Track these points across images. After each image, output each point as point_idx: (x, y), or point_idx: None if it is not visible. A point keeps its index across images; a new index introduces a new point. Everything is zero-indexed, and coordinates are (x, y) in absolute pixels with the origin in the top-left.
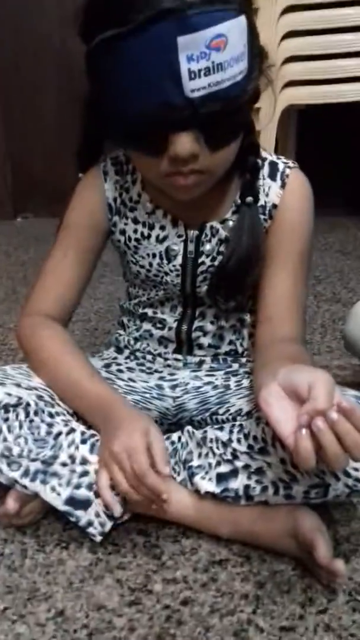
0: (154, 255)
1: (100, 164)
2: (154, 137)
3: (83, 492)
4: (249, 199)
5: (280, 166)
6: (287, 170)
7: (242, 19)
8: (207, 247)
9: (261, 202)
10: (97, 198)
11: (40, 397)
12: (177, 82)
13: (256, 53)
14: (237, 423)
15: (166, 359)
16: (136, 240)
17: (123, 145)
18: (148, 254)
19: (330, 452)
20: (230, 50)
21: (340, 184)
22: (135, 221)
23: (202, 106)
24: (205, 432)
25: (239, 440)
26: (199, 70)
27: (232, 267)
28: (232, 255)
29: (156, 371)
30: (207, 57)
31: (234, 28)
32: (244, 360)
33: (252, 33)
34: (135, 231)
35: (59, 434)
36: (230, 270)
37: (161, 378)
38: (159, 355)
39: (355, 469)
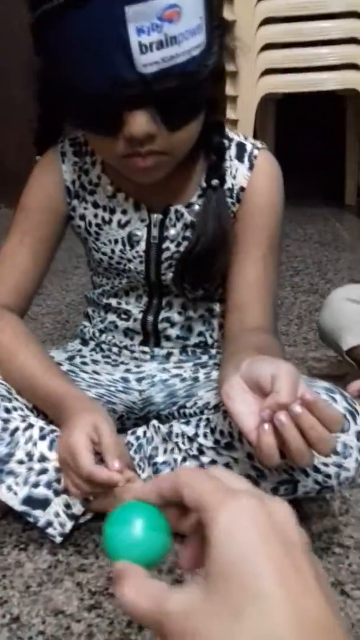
0: (115, 242)
1: (57, 145)
2: (107, 116)
3: (41, 491)
4: (215, 181)
5: (248, 147)
6: (255, 151)
7: None
8: (172, 232)
9: (228, 185)
10: (55, 181)
11: None
12: (128, 56)
13: (216, 25)
14: (204, 417)
15: (132, 352)
16: (97, 225)
17: (76, 125)
18: (110, 240)
19: (294, 448)
20: (185, 21)
21: (319, 175)
22: (95, 205)
23: (156, 82)
24: (171, 426)
25: (205, 435)
26: (151, 44)
27: (199, 253)
28: (198, 241)
29: (122, 363)
30: (159, 30)
31: None
32: (213, 352)
33: (211, 3)
34: (96, 216)
35: (16, 429)
36: (196, 257)
37: (127, 371)
38: (125, 347)
39: (325, 465)
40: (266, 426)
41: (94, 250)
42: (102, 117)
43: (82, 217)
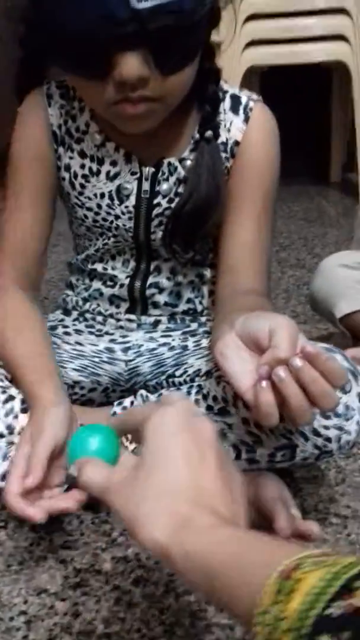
0: (102, 195)
1: (43, 87)
2: (97, 58)
3: None
4: (209, 133)
5: (243, 99)
6: (251, 104)
7: None
8: (164, 186)
9: (222, 139)
10: (41, 125)
11: None
12: None
13: None
14: (196, 384)
15: (118, 320)
16: (83, 177)
17: (63, 68)
18: (96, 194)
19: (294, 405)
20: None
21: (304, 151)
22: (82, 155)
23: (151, 20)
24: (160, 394)
25: (197, 402)
26: None
27: (190, 210)
28: (190, 197)
29: (107, 333)
30: None
31: None
32: (203, 319)
33: None
34: (82, 166)
35: None
36: (187, 214)
37: (112, 341)
38: (111, 316)
39: (326, 427)
40: (264, 383)
41: (77, 207)
42: (91, 58)
43: (67, 168)
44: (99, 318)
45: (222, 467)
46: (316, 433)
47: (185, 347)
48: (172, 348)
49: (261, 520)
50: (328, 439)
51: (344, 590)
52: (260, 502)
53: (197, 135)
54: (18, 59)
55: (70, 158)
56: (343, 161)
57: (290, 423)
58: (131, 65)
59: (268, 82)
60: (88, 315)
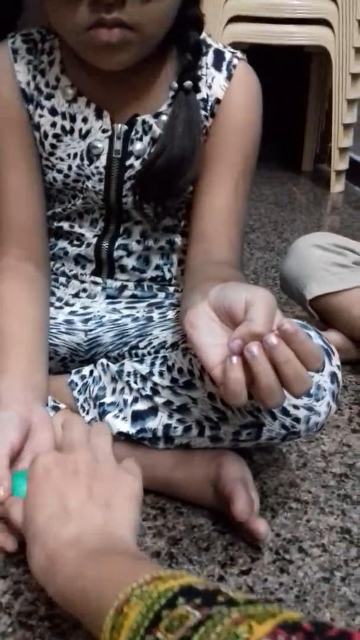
0: (75, 156)
1: (6, 41)
2: None
3: None
4: (188, 83)
5: (227, 55)
6: (235, 61)
7: None
8: (138, 146)
9: (202, 95)
10: (8, 84)
11: None
12: None
13: None
14: (160, 355)
15: (82, 282)
16: (55, 136)
17: None
18: (69, 155)
19: (264, 385)
20: None
21: (278, 139)
22: (53, 112)
23: None
24: (123, 364)
25: (161, 374)
26: None
27: (162, 166)
28: (163, 151)
29: (67, 304)
30: None
31: None
32: (171, 289)
33: None
34: (54, 125)
35: None
36: (159, 170)
37: (72, 312)
38: (75, 277)
39: (295, 407)
40: (234, 359)
41: (47, 168)
42: None
43: (37, 127)
44: (62, 279)
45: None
46: (285, 412)
47: (150, 319)
48: (136, 319)
49: (220, 501)
50: (297, 420)
51: (154, 622)
52: (220, 482)
53: (175, 85)
54: None
55: (40, 116)
56: (316, 151)
57: (258, 403)
58: None
59: (248, 61)
60: (51, 276)
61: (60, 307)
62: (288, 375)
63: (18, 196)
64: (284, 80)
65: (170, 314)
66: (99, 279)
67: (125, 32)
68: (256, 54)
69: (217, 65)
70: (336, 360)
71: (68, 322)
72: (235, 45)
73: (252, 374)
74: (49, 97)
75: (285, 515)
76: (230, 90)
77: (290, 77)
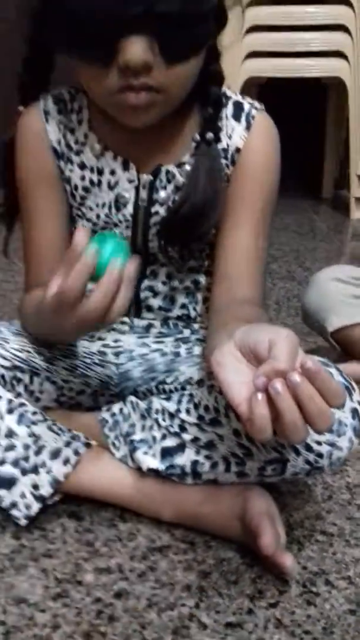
0: (103, 205)
1: (39, 103)
2: (102, 41)
3: (7, 470)
4: (209, 135)
5: (246, 106)
6: (253, 111)
7: None
8: (162, 194)
9: (223, 145)
10: (40, 144)
11: None
12: None
13: None
14: (187, 392)
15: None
16: (84, 189)
17: (68, 52)
18: (97, 204)
19: (288, 421)
20: None
21: (298, 166)
22: (82, 166)
23: (158, 3)
24: (151, 402)
25: (188, 411)
26: None
27: (185, 214)
28: (186, 200)
29: (99, 338)
30: None
31: None
32: (196, 326)
33: None
34: (83, 178)
35: None
36: (182, 218)
37: (105, 345)
38: None
39: (318, 443)
40: (259, 395)
41: (78, 217)
42: (97, 41)
43: (68, 181)
44: None
45: None
46: (308, 448)
47: (177, 354)
48: (164, 354)
49: (247, 535)
50: (320, 455)
51: None
52: (246, 516)
53: (197, 137)
54: (23, 59)
55: (71, 171)
56: (335, 178)
57: (282, 439)
58: (136, 49)
59: (266, 94)
60: None
61: (93, 341)
62: (311, 411)
63: (48, 241)
64: (302, 109)
65: (197, 350)
66: (126, 319)
67: (151, 94)
68: (275, 85)
69: (237, 116)
70: (357, 396)
71: (101, 353)
72: (253, 79)
73: (277, 410)
74: (78, 152)
75: (312, 548)
76: (249, 139)
77: (308, 106)
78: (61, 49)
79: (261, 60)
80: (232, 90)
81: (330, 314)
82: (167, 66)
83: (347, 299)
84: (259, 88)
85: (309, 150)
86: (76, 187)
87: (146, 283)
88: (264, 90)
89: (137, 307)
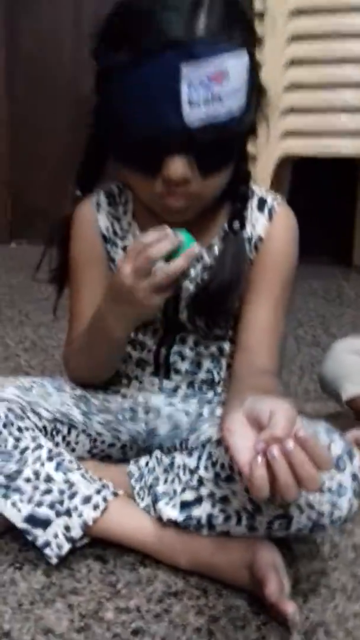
0: None
1: (92, 197)
2: (151, 158)
3: (44, 511)
4: (237, 225)
5: (269, 200)
6: (275, 205)
7: (244, 55)
8: (192, 272)
9: (248, 234)
10: (92, 231)
11: (10, 410)
12: (178, 108)
13: (255, 88)
14: (206, 450)
15: (141, 383)
16: None
17: (122, 162)
18: None
19: (282, 483)
20: (230, 84)
21: (329, 234)
22: (125, 249)
23: (199, 133)
24: (174, 457)
25: (206, 468)
26: (199, 100)
27: (212, 292)
28: (214, 279)
29: (131, 397)
30: (208, 88)
31: (236, 63)
32: (219, 389)
33: (254, 68)
34: None
35: (26, 448)
36: (209, 295)
37: (136, 403)
38: (135, 378)
39: (320, 502)
40: (259, 459)
41: None
42: (146, 158)
43: (113, 261)
44: (125, 380)
45: None
46: (310, 506)
47: (200, 415)
48: (188, 414)
49: (255, 584)
50: (321, 513)
51: None
52: (254, 567)
53: (225, 227)
54: (81, 157)
55: (115, 253)
56: None
57: (278, 497)
58: (178, 167)
59: (300, 166)
60: (115, 378)
61: (125, 398)
62: (302, 475)
63: (91, 310)
64: (334, 177)
65: (219, 411)
66: (156, 380)
67: (189, 200)
68: (309, 158)
69: (260, 208)
70: (357, 461)
71: (132, 410)
72: (287, 157)
73: (273, 472)
74: (122, 238)
75: (315, 601)
76: (271, 229)
77: (340, 174)
78: (115, 159)
79: (294, 139)
80: (263, 169)
81: (346, 382)
82: (203, 178)
83: None
84: (293, 163)
85: (340, 218)
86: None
87: (175, 348)
88: (298, 163)
89: (166, 369)
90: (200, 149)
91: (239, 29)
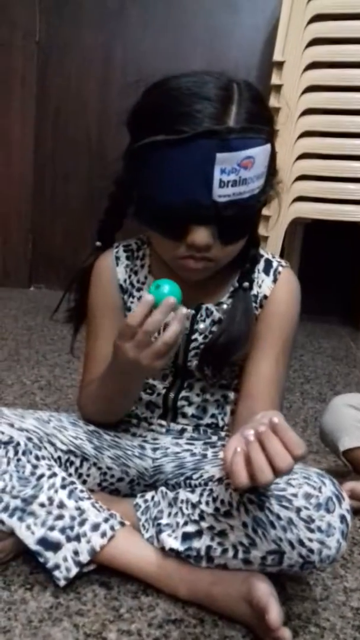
0: None
1: (112, 250)
2: (178, 226)
3: (55, 535)
4: (246, 284)
5: (274, 264)
6: (280, 268)
7: (268, 147)
8: (201, 326)
9: (254, 292)
10: (111, 282)
11: (29, 439)
12: (209, 187)
13: (272, 172)
14: (208, 487)
15: (150, 424)
16: None
17: (150, 226)
18: None
19: (254, 464)
20: (255, 169)
21: (339, 295)
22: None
23: (224, 209)
24: (178, 493)
25: (207, 503)
26: (228, 182)
27: (221, 344)
28: (222, 334)
29: (140, 436)
30: (237, 173)
31: (261, 153)
32: (223, 434)
33: (272, 157)
34: None
35: (42, 475)
36: (219, 347)
37: (144, 441)
38: (145, 419)
39: (310, 540)
40: (238, 449)
41: None
42: (174, 225)
43: (129, 310)
44: (134, 421)
45: None
46: (301, 543)
47: (204, 455)
48: (193, 454)
49: (253, 614)
50: (311, 551)
51: None
52: (253, 598)
53: (235, 284)
54: (105, 209)
55: (131, 303)
56: None
57: (254, 483)
58: (202, 236)
59: (311, 229)
60: (125, 418)
61: (135, 435)
62: (272, 454)
63: (105, 356)
64: (345, 243)
65: (221, 454)
66: (164, 422)
67: (207, 263)
68: (320, 222)
69: (267, 270)
70: (346, 505)
71: (141, 447)
72: (299, 219)
73: (250, 457)
74: (138, 289)
75: (305, 637)
76: (275, 290)
77: (352, 240)
78: (141, 222)
79: (306, 204)
80: (276, 230)
81: (343, 435)
82: (223, 246)
83: (358, 423)
84: (304, 226)
85: (349, 277)
86: None
87: (183, 393)
88: (310, 226)
89: (173, 413)
90: (223, 222)
91: (264, 122)
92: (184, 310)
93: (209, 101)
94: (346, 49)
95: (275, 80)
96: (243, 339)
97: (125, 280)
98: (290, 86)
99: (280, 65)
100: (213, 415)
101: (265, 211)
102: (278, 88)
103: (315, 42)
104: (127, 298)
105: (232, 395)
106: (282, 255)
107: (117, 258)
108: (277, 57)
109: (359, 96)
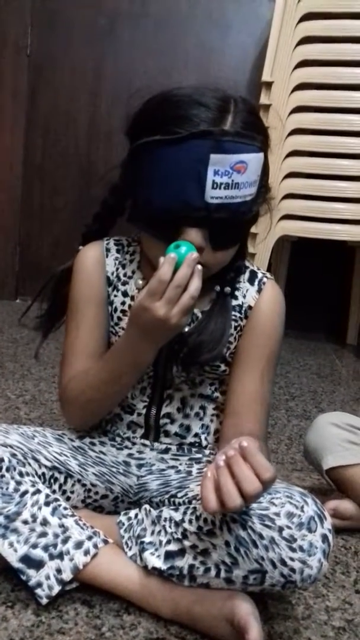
0: None
1: (103, 241)
2: (169, 228)
3: (38, 553)
4: (227, 289)
5: (259, 275)
6: (264, 279)
7: (261, 155)
8: (186, 330)
9: (239, 302)
10: (98, 272)
11: (14, 455)
12: (202, 188)
13: (264, 185)
14: (192, 506)
15: (134, 444)
16: (122, 311)
17: (141, 227)
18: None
19: (223, 489)
20: (247, 175)
21: (325, 313)
22: (125, 294)
23: (215, 212)
24: (161, 511)
25: (190, 521)
26: (221, 184)
27: (191, 343)
28: (196, 331)
29: (126, 447)
30: (229, 175)
31: (254, 159)
32: (207, 452)
33: (265, 170)
34: (123, 303)
35: (26, 492)
36: (191, 344)
37: (130, 455)
38: (128, 439)
39: (292, 559)
40: (209, 473)
41: (112, 334)
42: (166, 226)
43: (111, 303)
44: (118, 439)
45: None
46: (283, 563)
47: (189, 472)
48: (178, 471)
49: (234, 633)
50: (292, 570)
51: None
52: (235, 617)
53: (217, 288)
54: (94, 214)
55: (115, 296)
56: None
57: (224, 509)
58: (194, 237)
59: (298, 247)
60: (109, 435)
61: (121, 449)
62: (240, 478)
63: (86, 347)
64: (331, 261)
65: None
66: (147, 442)
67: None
68: (306, 239)
69: (251, 281)
70: (328, 524)
71: (126, 463)
72: (286, 237)
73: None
74: (124, 283)
75: None
76: (259, 300)
77: (337, 258)
78: (134, 223)
79: (293, 222)
80: (264, 247)
81: (327, 453)
82: (213, 251)
83: (342, 442)
84: (291, 244)
85: (335, 295)
86: (115, 310)
87: (164, 410)
88: (296, 243)
89: (156, 432)
90: (214, 225)
91: (258, 132)
92: (199, 266)
93: (206, 108)
94: (334, 71)
95: (264, 100)
96: (215, 343)
97: (112, 273)
98: (278, 106)
99: (269, 85)
100: (196, 435)
101: (252, 229)
102: (267, 108)
103: (304, 63)
104: (112, 291)
105: (211, 407)
106: (268, 272)
107: (108, 250)
108: (265, 77)
109: (346, 117)
